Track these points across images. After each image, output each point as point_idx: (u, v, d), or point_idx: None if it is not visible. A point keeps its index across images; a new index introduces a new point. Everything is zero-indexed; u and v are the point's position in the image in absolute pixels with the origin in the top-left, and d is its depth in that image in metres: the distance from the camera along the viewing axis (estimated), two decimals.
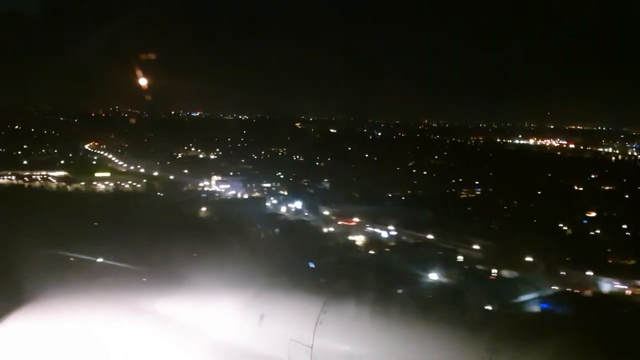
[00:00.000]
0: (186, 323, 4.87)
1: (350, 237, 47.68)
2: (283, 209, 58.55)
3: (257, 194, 66.38)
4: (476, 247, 41.99)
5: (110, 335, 4.76)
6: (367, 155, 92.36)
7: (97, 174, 72.05)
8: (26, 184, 67.87)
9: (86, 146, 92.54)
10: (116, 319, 4.92)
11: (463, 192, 66.53)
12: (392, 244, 46.11)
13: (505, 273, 37.96)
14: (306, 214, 56.24)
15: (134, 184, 70.73)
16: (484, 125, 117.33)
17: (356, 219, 50.85)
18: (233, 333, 4.62)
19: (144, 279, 6.17)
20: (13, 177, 69.54)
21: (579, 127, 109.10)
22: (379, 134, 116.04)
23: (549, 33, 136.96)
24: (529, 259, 39.92)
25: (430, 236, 45.92)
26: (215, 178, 70.26)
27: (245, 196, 65.03)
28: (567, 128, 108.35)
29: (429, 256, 38.74)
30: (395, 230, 48.28)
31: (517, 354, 3.43)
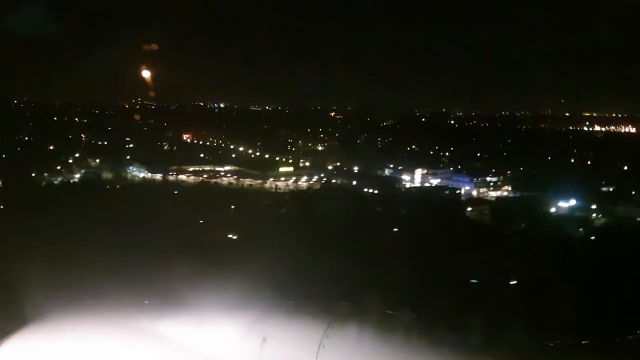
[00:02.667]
0: (188, 346, 4.64)
1: None
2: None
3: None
4: None
5: (111, 357, 4.56)
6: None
7: (282, 169, 62.44)
8: (212, 182, 58.28)
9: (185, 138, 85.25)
10: (117, 341, 4.68)
11: None
12: None
13: None
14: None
15: (335, 180, 60.12)
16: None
17: None
18: (235, 356, 4.46)
19: (146, 301, 5.53)
20: (181, 174, 59.02)
21: None
22: (469, 123, 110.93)
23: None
24: None
25: None
26: (419, 172, 60.76)
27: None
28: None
29: None
30: None
31: None
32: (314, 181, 59.58)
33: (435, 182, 58.93)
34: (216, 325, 4.64)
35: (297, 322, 4.39)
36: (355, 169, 65.35)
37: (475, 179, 57.29)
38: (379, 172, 62.90)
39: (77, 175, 54.94)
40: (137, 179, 55.91)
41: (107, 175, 54.75)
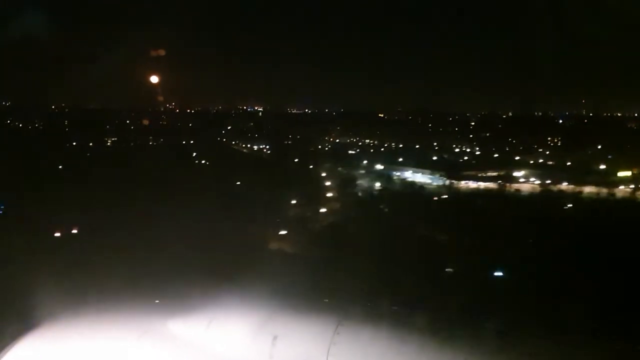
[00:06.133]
0: (199, 345, 4.70)
1: None
2: None
3: None
4: None
5: (122, 358, 4.61)
6: None
7: (621, 174, 54.42)
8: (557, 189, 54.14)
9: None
10: (128, 342, 4.73)
11: None
12: None
13: None
14: None
15: None
16: None
17: None
18: (246, 355, 4.49)
19: (156, 301, 5.72)
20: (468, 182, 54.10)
21: None
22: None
23: None
24: None
25: None
26: None
27: None
28: None
29: None
30: None
31: None
32: None
33: None
34: (227, 324, 4.54)
35: (307, 320, 4.28)
36: None
37: None
38: None
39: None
40: (438, 186, 50.30)
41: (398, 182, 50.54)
